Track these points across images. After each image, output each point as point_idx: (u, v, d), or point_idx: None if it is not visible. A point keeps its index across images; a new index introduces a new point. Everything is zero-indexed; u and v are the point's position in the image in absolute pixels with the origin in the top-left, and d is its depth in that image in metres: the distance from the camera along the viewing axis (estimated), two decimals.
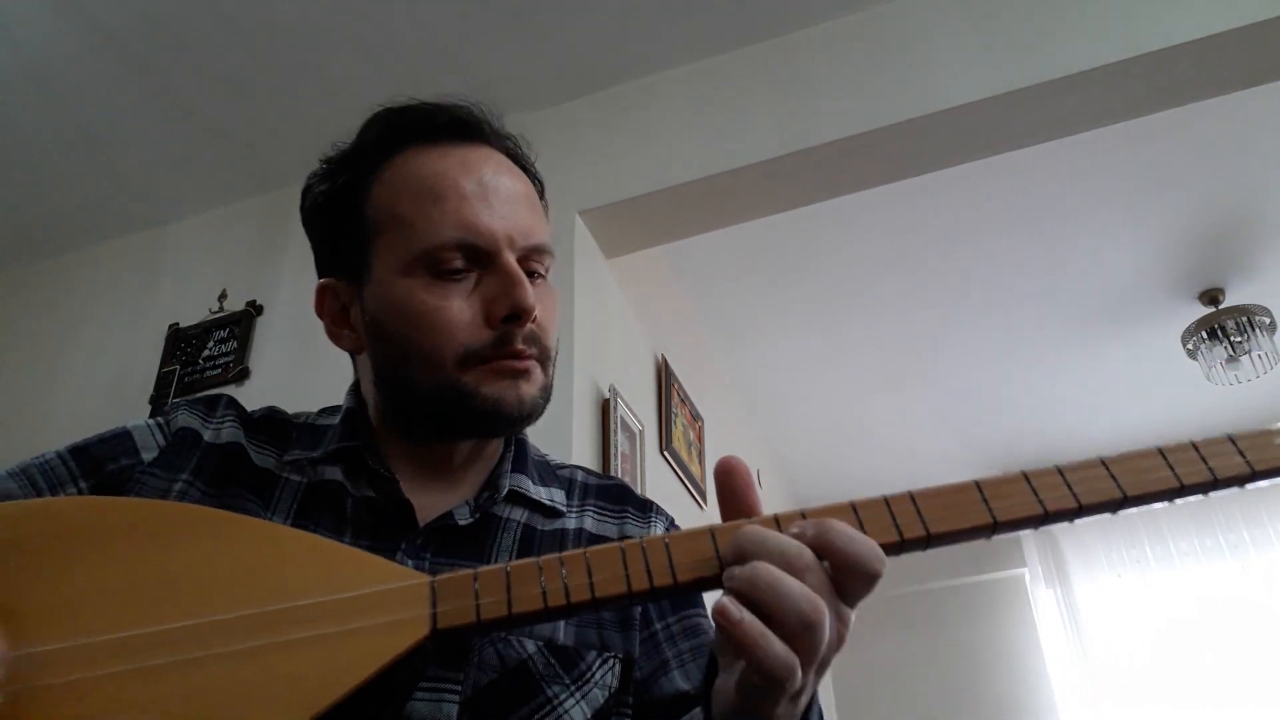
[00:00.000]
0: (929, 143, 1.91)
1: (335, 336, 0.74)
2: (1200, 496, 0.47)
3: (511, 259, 0.67)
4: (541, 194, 0.77)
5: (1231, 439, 0.47)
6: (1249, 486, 0.47)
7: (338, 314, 0.73)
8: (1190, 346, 3.12)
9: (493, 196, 0.68)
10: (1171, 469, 0.47)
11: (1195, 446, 0.47)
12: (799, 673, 0.44)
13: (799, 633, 0.44)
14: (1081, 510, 0.47)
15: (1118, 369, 3.36)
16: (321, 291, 0.74)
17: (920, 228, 2.66)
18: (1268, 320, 3.01)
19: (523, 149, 0.77)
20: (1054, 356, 3.30)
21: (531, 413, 0.68)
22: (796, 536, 0.46)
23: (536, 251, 0.70)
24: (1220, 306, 3.01)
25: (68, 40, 1.97)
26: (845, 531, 0.45)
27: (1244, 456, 0.46)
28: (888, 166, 1.99)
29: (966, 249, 2.76)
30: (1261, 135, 2.40)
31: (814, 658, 0.45)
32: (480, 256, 0.67)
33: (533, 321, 0.67)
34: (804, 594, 0.44)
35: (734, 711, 0.48)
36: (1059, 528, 3.98)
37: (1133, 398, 3.51)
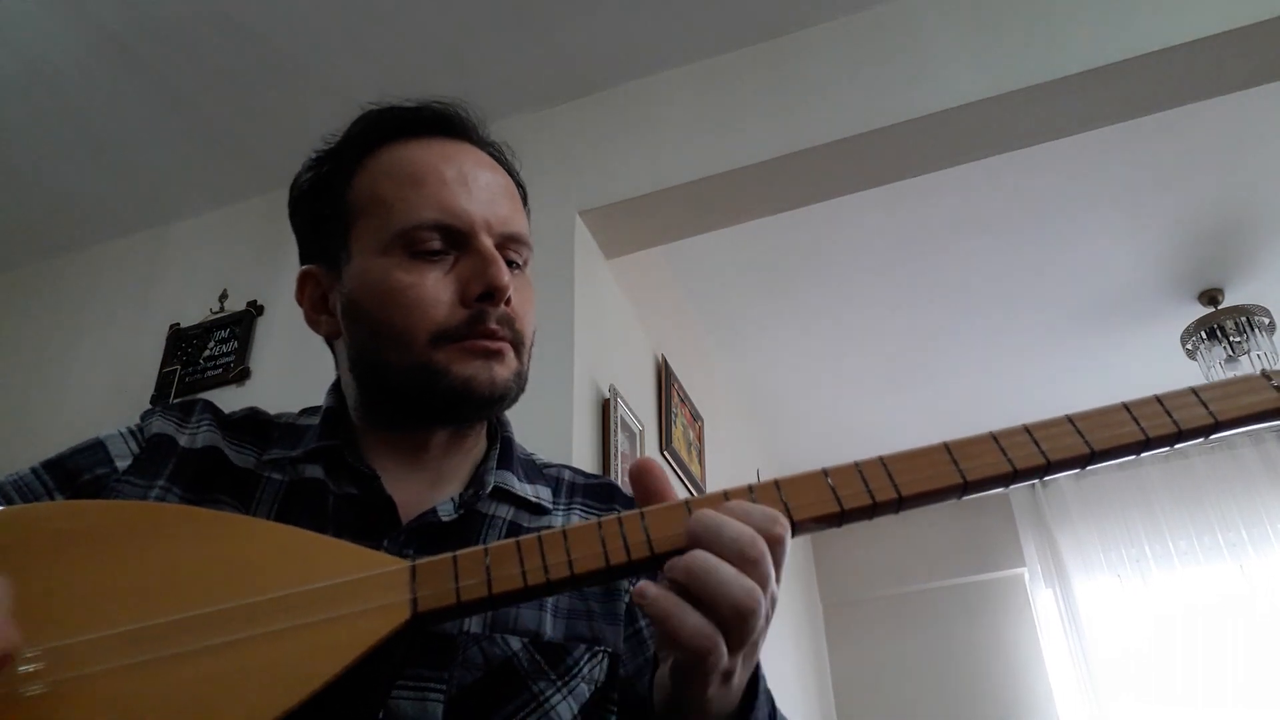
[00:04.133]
0: (929, 143, 1.91)
1: (313, 322, 0.75)
2: (1167, 450, 0.48)
3: (488, 241, 0.68)
4: (525, 199, 0.79)
5: (1194, 391, 0.47)
6: (1213, 438, 0.47)
7: (317, 300, 0.75)
8: (1189, 347, 3.11)
9: (472, 184, 0.70)
10: (1137, 422, 0.47)
11: (1159, 400, 0.48)
12: (723, 648, 0.45)
13: (732, 620, 0.45)
14: (1050, 467, 0.47)
15: (1117, 369, 3.36)
16: (303, 278, 0.76)
17: (920, 228, 2.66)
18: (1267, 320, 3.01)
19: (506, 155, 0.79)
20: (1053, 356, 3.30)
21: (504, 395, 0.68)
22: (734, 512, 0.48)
23: (514, 240, 0.71)
24: (1219, 307, 3.01)
25: (68, 41, 1.97)
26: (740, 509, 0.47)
27: (1207, 408, 0.46)
28: (887, 166, 1.99)
29: (966, 249, 2.76)
30: (1261, 135, 2.39)
31: (744, 642, 0.46)
32: (457, 238, 0.68)
33: (506, 304, 0.68)
34: (740, 584, 0.45)
35: (668, 699, 0.49)
36: (1058, 526, 3.98)
37: (1131, 398, 3.51)
